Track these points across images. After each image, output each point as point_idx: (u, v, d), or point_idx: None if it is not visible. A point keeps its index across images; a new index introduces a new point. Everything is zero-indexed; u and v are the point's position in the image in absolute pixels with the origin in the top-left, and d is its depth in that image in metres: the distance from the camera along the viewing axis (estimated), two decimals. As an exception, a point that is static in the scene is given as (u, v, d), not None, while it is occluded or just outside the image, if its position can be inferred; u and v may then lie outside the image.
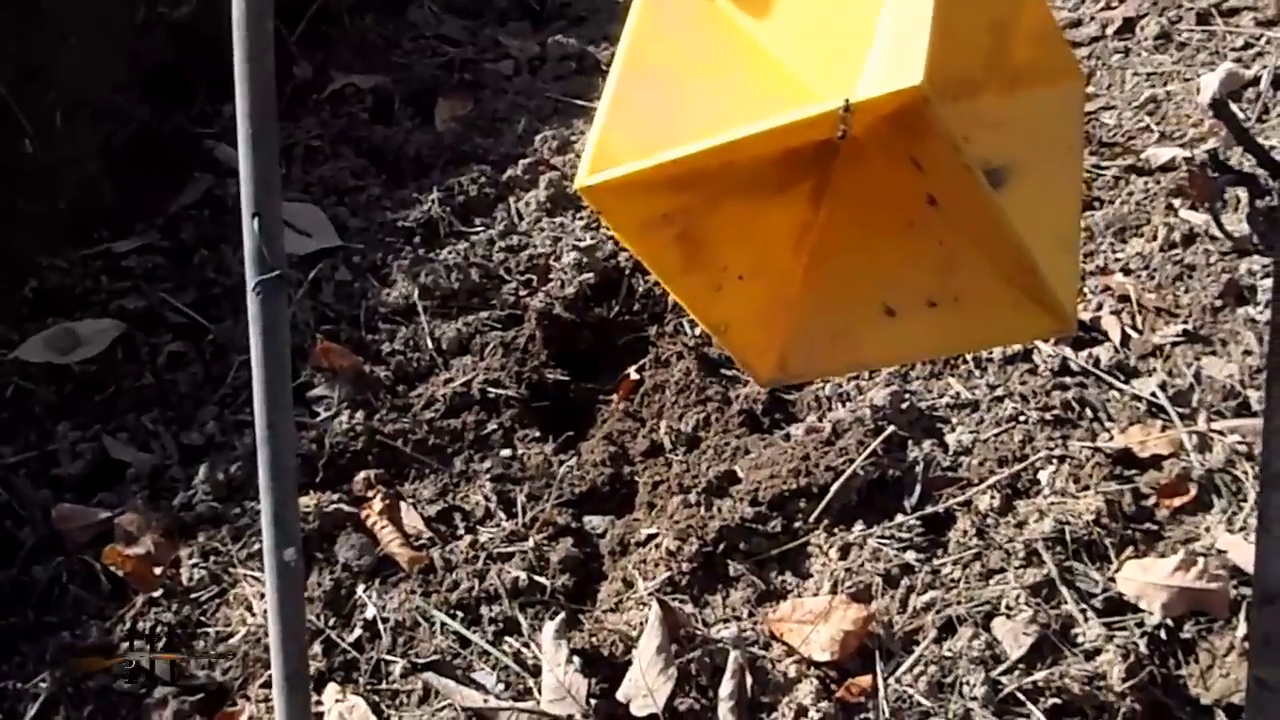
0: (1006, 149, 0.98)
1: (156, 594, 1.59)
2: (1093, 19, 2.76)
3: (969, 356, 1.87)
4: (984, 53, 1.00)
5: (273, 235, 1.02)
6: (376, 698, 1.46)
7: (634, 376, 1.94)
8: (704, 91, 0.96)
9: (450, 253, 2.15)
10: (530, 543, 1.61)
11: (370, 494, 1.70)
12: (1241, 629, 1.48)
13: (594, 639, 1.48)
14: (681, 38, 0.98)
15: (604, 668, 1.46)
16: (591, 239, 2.12)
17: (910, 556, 1.57)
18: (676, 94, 0.95)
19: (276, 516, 1.06)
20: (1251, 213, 0.97)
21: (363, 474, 1.73)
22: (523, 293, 2.07)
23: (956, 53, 0.97)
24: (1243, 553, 1.53)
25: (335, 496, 1.69)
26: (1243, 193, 1.09)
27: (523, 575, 1.56)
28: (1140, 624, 1.51)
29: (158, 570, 1.61)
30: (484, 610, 1.54)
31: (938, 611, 1.51)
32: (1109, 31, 2.70)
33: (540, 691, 1.45)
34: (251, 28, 0.98)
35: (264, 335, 1.03)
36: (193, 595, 1.59)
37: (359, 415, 1.81)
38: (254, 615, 1.54)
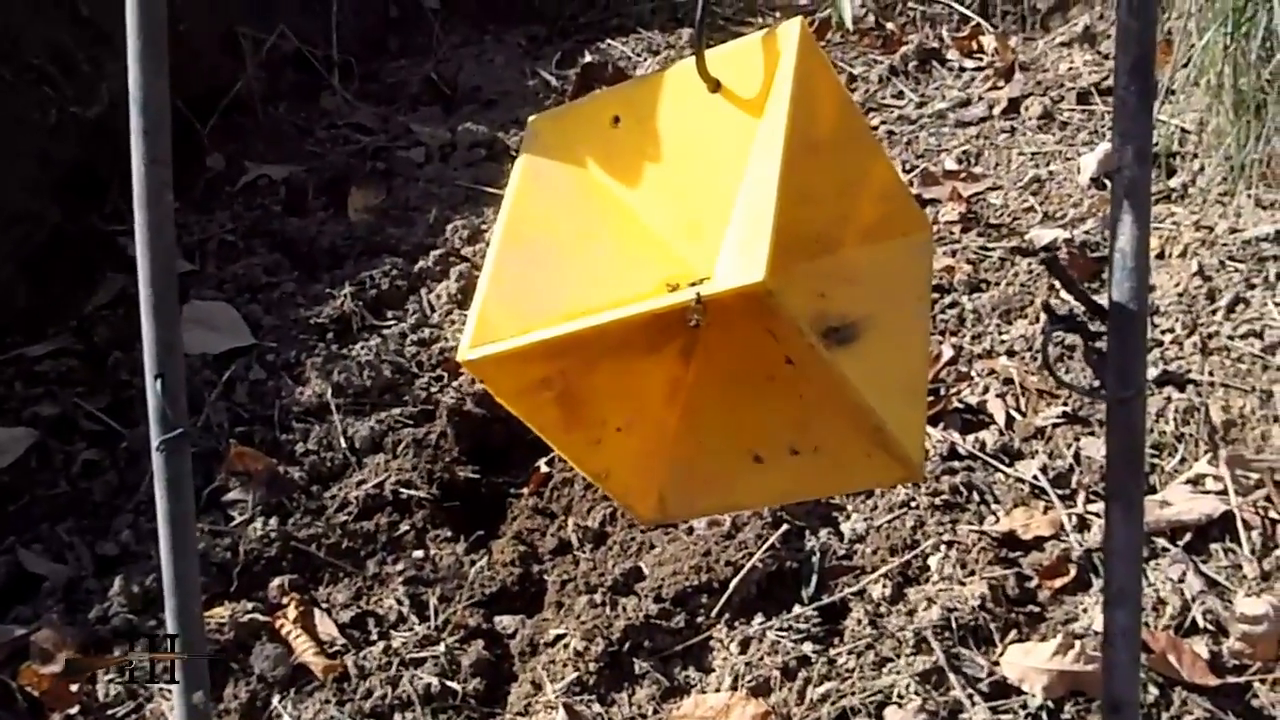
0: (860, 302, 1.07)
1: (73, 711, 1.61)
2: (981, 99, 2.90)
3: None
4: (836, 212, 1.08)
5: (175, 395, 1.08)
6: (292, 810, 1.50)
7: (544, 469, 2.00)
8: (580, 257, 1.03)
9: (363, 348, 2.20)
10: (442, 646, 1.66)
11: (285, 600, 1.74)
12: (1116, 708, 1.57)
13: (504, 744, 1.53)
14: (558, 206, 1.05)
15: (514, 772, 1.52)
16: (501, 333, 2.18)
17: (807, 648, 1.65)
18: (553, 263, 1.01)
19: (185, 663, 1.11)
20: (1086, 355, 1.06)
21: (277, 580, 1.77)
22: (434, 388, 2.12)
23: (809, 214, 1.05)
24: (1116, 634, 1.62)
25: (250, 605, 1.72)
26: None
27: (435, 681, 1.61)
28: (1024, 706, 1.58)
29: (74, 688, 1.63)
30: (397, 718, 1.58)
31: (833, 703, 1.58)
32: (995, 111, 2.83)
33: (452, 798, 1.50)
34: (152, 204, 1.05)
35: (169, 490, 1.08)
36: (109, 711, 1.62)
37: (273, 520, 1.84)
38: (170, 732, 1.58)
